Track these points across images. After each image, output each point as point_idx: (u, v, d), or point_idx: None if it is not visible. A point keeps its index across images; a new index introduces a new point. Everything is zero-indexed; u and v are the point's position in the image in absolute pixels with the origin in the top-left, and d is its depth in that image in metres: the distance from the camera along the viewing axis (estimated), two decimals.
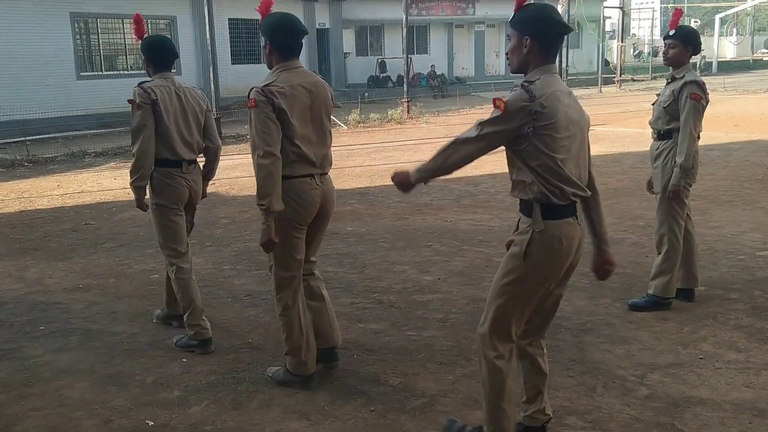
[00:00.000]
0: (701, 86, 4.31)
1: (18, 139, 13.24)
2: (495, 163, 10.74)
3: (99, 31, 18.55)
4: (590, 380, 3.54)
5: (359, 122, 17.20)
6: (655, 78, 31.02)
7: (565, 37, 2.80)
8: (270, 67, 3.39)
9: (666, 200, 4.42)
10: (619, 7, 31.06)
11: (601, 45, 32.33)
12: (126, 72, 18.75)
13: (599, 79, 27.50)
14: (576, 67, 29.62)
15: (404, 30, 19.39)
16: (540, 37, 2.58)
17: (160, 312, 4.50)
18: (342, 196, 8.56)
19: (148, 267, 5.78)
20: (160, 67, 4.06)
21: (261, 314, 4.59)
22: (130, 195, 9.37)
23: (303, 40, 3.42)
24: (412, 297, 4.86)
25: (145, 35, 4.17)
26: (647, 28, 48.00)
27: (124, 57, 19.47)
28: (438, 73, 28.23)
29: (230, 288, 5.19)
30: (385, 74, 28.37)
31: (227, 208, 7.88)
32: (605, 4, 32.85)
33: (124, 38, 19.29)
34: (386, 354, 3.90)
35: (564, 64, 23.99)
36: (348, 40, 28.59)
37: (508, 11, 2.76)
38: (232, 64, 21.39)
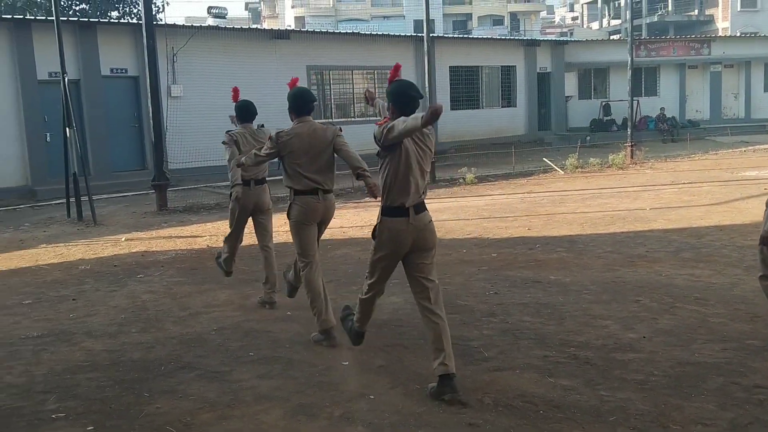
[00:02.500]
0: None
1: None
2: (724, 213, 9.91)
3: (332, 81, 20.14)
4: None
5: (577, 167, 16.74)
6: None
7: None
8: (292, 120, 5.03)
9: None
10: None
11: None
12: (354, 119, 20.06)
13: None
14: None
15: (629, 72, 18.67)
16: (397, 105, 3.98)
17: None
18: (549, 244, 8.33)
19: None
20: (243, 121, 6.09)
21: None
22: (345, 233, 9.85)
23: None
24: (611, 354, 4.55)
25: (239, 99, 6.13)
26: None
27: (353, 105, 20.89)
28: (668, 116, 26.66)
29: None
30: (609, 117, 27.34)
31: None
32: None
33: (353, 88, 20.74)
34: (574, 413, 3.69)
35: None
36: (570, 83, 28.08)
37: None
38: (451, 109, 21.98)
